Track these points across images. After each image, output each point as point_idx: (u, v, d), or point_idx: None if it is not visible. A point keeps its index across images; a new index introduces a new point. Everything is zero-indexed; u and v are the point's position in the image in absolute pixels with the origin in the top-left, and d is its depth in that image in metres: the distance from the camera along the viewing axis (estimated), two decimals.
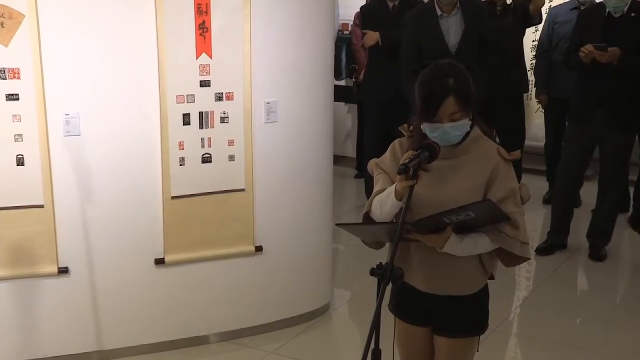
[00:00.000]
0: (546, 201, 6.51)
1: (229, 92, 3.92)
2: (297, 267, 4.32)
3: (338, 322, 4.65)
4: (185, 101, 3.84)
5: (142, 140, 3.83)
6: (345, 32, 7.42)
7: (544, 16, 6.40)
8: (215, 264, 4.10)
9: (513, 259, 2.62)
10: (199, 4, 3.75)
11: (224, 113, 3.93)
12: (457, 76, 2.52)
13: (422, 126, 2.56)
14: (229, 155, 3.98)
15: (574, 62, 5.18)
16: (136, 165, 3.85)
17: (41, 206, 3.72)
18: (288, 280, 4.32)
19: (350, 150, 7.74)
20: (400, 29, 5.42)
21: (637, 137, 5.66)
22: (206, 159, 3.95)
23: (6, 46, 3.53)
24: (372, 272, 2.27)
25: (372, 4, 6.40)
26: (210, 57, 3.83)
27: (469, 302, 2.70)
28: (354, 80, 7.25)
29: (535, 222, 6.07)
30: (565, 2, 6.56)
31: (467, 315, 2.72)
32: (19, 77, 3.57)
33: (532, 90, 7.03)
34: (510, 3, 6.14)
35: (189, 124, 3.87)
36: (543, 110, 6.78)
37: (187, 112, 3.86)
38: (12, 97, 3.58)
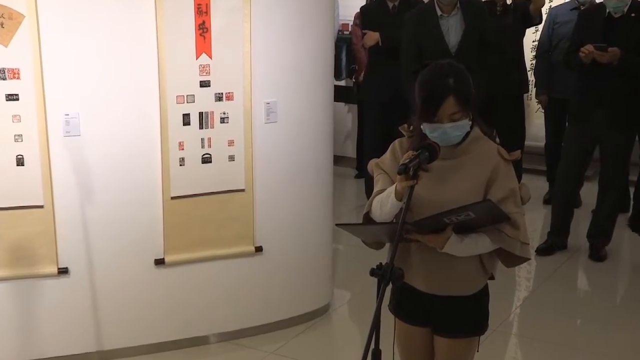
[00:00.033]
0: (546, 201, 6.51)
1: (229, 93, 3.92)
2: (297, 267, 4.32)
3: (338, 322, 4.64)
4: (185, 101, 3.84)
5: (142, 141, 3.83)
6: (345, 32, 7.42)
7: (544, 16, 6.40)
8: (215, 264, 4.10)
9: (513, 260, 2.62)
10: (198, 4, 3.75)
11: (224, 113, 3.93)
12: (457, 76, 2.52)
13: (422, 126, 2.55)
14: (229, 156, 3.98)
15: (574, 62, 5.18)
16: (136, 165, 3.85)
17: (41, 206, 3.72)
18: (288, 281, 4.31)
19: (350, 151, 7.74)
20: (400, 29, 5.42)
21: (637, 137, 5.66)
22: (206, 159, 3.94)
23: (6, 46, 3.53)
24: (372, 273, 2.27)
25: (372, 4, 6.40)
26: (210, 58, 3.83)
27: (469, 302, 2.70)
28: (354, 80, 7.25)
29: (535, 222, 6.07)
30: (565, 3, 6.56)
31: (467, 316, 2.71)
32: (18, 78, 3.57)
33: (532, 90, 7.03)
34: (511, 3, 6.14)
35: (189, 124, 3.87)
36: (543, 111, 6.78)
37: (187, 112, 3.86)
38: (12, 97, 3.58)
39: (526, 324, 4.59)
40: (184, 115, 3.85)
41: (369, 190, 4.83)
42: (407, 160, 2.40)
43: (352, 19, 6.83)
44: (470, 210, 2.44)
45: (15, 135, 3.62)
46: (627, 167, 5.48)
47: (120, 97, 3.75)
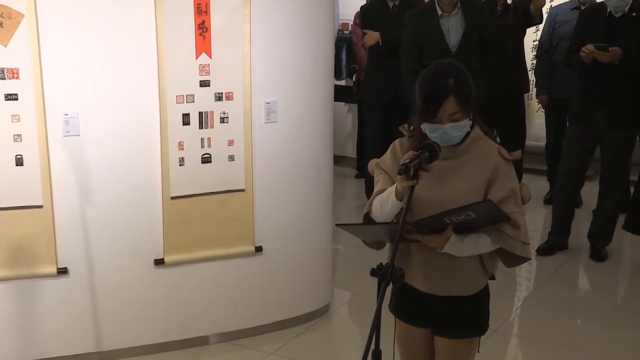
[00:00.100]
0: (547, 201, 6.51)
1: (228, 92, 3.91)
2: (297, 267, 4.31)
3: (338, 322, 4.64)
4: (185, 101, 3.84)
5: (141, 141, 3.82)
6: (345, 31, 7.41)
7: (545, 16, 6.39)
8: (215, 265, 4.09)
9: (514, 260, 2.62)
10: (198, 4, 3.74)
11: (224, 113, 3.92)
12: (457, 76, 2.51)
13: (422, 126, 2.55)
14: (229, 156, 3.97)
15: (575, 62, 5.17)
16: (136, 165, 3.84)
17: (40, 206, 3.71)
18: (288, 281, 4.31)
19: (351, 150, 7.73)
20: (401, 28, 5.42)
21: (638, 137, 5.65)
22: (206, 159, 3.94)
23: (5, 46, 3.52)
24: (373, 273, 2.27)
25: (373, 3, 6.39)
26: (210, 57, 3.82)
27: (470, 302, 2.69)
28: (354, 80, 7.24)
29: (536, 222, 6.06)
30: (566, 2, 6.54)
31: (468, 316, 2.71)
32: (18, 77, 3.56)
33: (533, 90, 7.02)
34: (511, 3, 6.13)
35: (188, 124, 3.86)
36: (544, 110, 6.78)
37: (187, 112, 3.85)
38: (11, 97, 3.58)
39: (527, 324, 4.59)
40: (183, 115, 3.85)
41: (369, 190, 4.82)
42: (408, 160, 2.40)
43: (352, 18, 6.82)
44: (471, 210, 2.43)
45: (14, 135, 3.61)
46: (628, 167, 5.47)
47: (119, 97, 3.75)
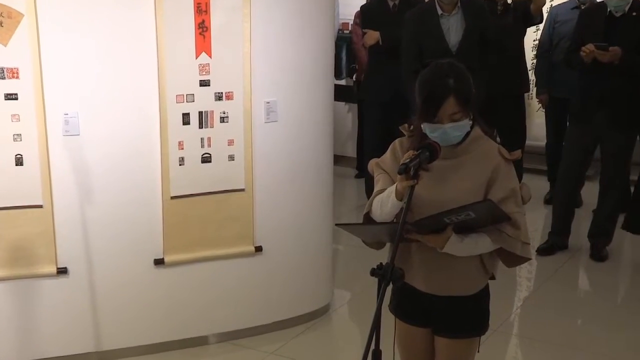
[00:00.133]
0: (547, 201, 6.50)
1: (228, 92, 3.91)
2: (297, 267, 4.31)
3: (338, 322, 4.63)
4: (185, 101, 3.83)
5: (141, 140, 3.82)
6: (345, 31, 7.41)
7: (545, 15, 6.39)
8: (215, 265, 4.09)
9: (514, 260, 2.61)
10: (198, 3, 3.74)
11: (224, 113, 3.92)
12: (457, 76, 2.51)
13: (422, 126, 2.55)
14: (229, 155, 3.97)
15: (575, 61, 5.16)
16: (135, 165, 3.84)
17: (40, 206, 3.71)
18: (288, 281, 4.30)
19: (351, 150, 7.73)
20: (401, 28, 5.41)
21: (638, 137, 5.65)
22: (206, 159, 3.93)
23: (5, 45, 3.52)
24: (373, 273, 2.27)
25: (373, 3, 6.39)
26: (210, 57, 3.82)
27: (470, 302, 2.69)
28: (354, 79, 7.23)
29: (536, 222, 6.06)
30: (566, 2, 6.54)
31: (468, 316, 2.71)
32: (17, 77, 3.56)
33: (533, 89, 7.01)
34: (511, 2, 6.12)
35: (188, 123, 3.86)
36: (544, 110, 6.77)
37: (187, 111, 3.85)
38: (11, 96, 3.57)
39: (527, 324, 4.58)
40: (183, 114, 3.84)
41: (369, 190, 4.83)
42: (408, 160, 2.40)
43: (353, 17, 6.82)
44: (471, 210, 2.43)
45: (14, 135, 3.61)
46: (628, 166, 5.46)
47: (119, 97, 3.74)
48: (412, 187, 2.40)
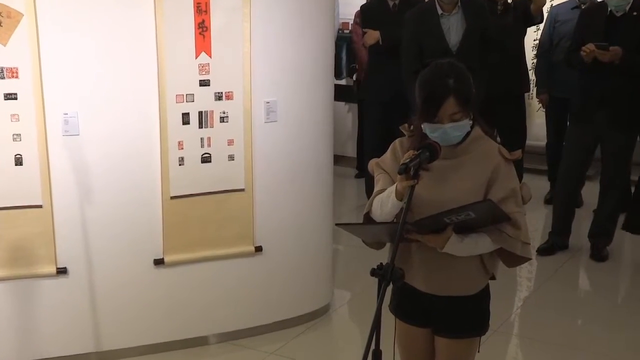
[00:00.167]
0: (547, 201, 6.50)
1: (228, 92, 3.90)
2: (297, 267, 4.31)
3: (338, 322, 4.63)
4: (185, 101, 3.83)
5: (141, 140, 3.82)
6: (345, 31, 7.40)
7: (545, 15, 6.38)
8: (215, 265, 4.08)
9: (514, 260, 2.61)
10: (198, 3, 3.74)
11: (224, 112, 3.91)
12: (457, 76, 2.51)
13: (422, 126, 2.54)
14: (229, 155, 3.97)
15: (576, 61, 5.16)
16: (135, 165, 3.83)
17: (40, 206, 3.70)
18: (288, 281, 4.30)
19: (351, 150, 7.72)
20: (401, 28, 5.41)
21: (638, 137, 5.64)
22: (206, 159, 3.93)
23: (4, 45, 3.51)
24: (373, 273, 2.27)
25: (373, 2, 6.38)
26: (210, 57, 3.82)
27: (470, 302, 2.69)
28: (354, 79, 7.23)
29: (536, 222, 6.06)
30: (566, 1, 6.53)
31: (468, 316, 2.70)
32: (17, 77, 3.56)
33: (533, 89, 7.01)
34: (512, 2, 6.12)
35: (188, 123, 3.86)
36: (544, 110, 6.77)
37: (187, 111, 3.84)
38: (10, 96, 3.57)
39: (527, 324, 4.58)
40: (183, 114, 3.84)
41: (369, 190, 4.82)
42: (408, 160, 2.39)
43: (353, 17, 6.81)
44: (471, 210, 2.43)
45: (13, 135, 3.61)
46: (629, 166, 5.46)
47: (119, 96, 3.74)
48: (412, 187, 2.39)
